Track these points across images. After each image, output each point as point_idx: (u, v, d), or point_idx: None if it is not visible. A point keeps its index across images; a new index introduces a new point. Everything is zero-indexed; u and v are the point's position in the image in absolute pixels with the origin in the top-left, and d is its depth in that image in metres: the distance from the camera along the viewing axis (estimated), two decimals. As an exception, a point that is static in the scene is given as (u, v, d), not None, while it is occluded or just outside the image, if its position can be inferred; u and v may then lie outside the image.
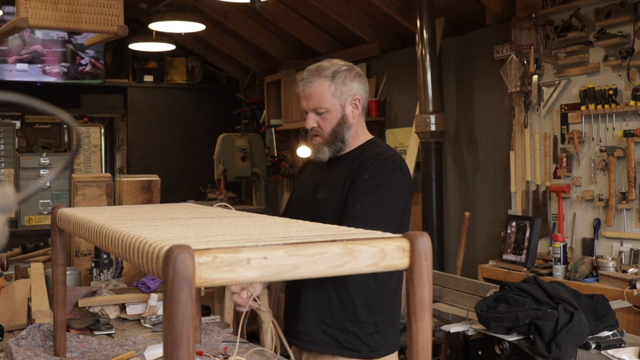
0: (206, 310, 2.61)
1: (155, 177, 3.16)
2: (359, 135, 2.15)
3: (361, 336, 2.03)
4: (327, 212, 2.02)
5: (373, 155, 2.06)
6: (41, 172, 7.41)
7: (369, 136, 2.20)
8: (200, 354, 1.94)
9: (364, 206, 1.96)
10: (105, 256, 2.93)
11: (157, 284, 2.62)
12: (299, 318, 2.09)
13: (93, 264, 2.92)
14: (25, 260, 4.48)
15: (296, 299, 2.10)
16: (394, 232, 1.84)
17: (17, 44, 7.42)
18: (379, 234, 1.06)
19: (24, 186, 7.17)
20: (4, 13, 6.27)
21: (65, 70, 7.68)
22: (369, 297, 2.04)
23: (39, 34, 7.49)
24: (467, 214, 4.34)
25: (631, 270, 3.53)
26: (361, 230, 1.16)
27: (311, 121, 2.11)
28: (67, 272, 2.72)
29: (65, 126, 8.15)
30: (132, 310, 2.52)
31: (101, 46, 7.67)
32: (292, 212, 2.14)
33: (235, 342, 2.01)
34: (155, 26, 5.55)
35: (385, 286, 2.06)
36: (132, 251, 1.04)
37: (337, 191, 2.05)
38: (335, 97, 2.07)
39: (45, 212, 7.37)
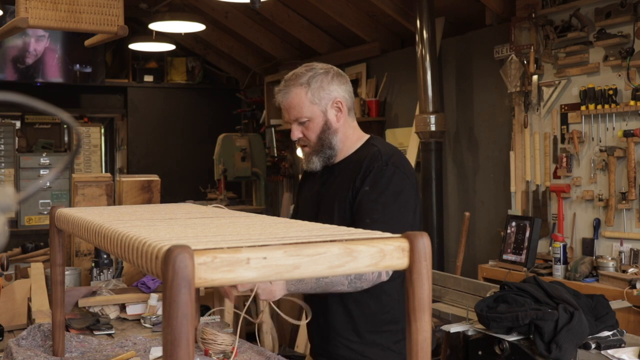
0: (206, 310, 2.61)
1: (155, 177, 3.15)
2: (351, 138, 2.07)
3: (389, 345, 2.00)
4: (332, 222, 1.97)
5: (371, 160, 1.97)
6: (41, 172, 7.41)
7: (365, 136, 2.10)
8: (206, 352, 1.94)
9: (373, 222, 1.87)
10: (105, 256, 2.93)
11: (157, 284, 2.62)
12: (323, 337, 2.06)
13: (93, 264, 2.92)
14: (25, 260, 4.49)
15: (318, 316, 2.06)
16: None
17: (17, 44, 7.42)
18: (378, 234, 1.06)
19: (24, 186, 7.16)
20: (4, 13, 6.26)
21: (65, 70, 7.68)
22: (389, 303, 2.00)
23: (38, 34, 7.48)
24: (467, 214, 4.34)
25: (631, 270, 3.52)
26: (360, 230, 1.16)
27: (296, 132, 2.03)
28: (67, 272, 2.73)
29: (65, 126, 8.15)
30: (132, 310, 2.51)
31: (101, 46, 7.67)
32: None
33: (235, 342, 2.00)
34: (155, 26, 5.56)
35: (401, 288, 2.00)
36: (131, 251, 1.04)
37: (340, 201, 1.98)
38: (314, 104, 1.98)
39: (46, 212, 7.36)
